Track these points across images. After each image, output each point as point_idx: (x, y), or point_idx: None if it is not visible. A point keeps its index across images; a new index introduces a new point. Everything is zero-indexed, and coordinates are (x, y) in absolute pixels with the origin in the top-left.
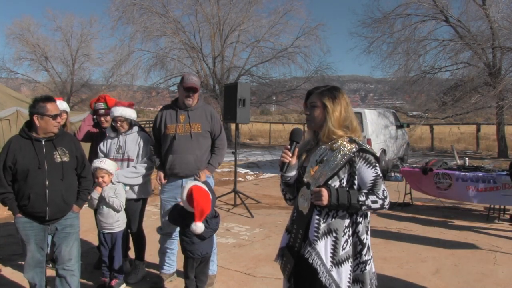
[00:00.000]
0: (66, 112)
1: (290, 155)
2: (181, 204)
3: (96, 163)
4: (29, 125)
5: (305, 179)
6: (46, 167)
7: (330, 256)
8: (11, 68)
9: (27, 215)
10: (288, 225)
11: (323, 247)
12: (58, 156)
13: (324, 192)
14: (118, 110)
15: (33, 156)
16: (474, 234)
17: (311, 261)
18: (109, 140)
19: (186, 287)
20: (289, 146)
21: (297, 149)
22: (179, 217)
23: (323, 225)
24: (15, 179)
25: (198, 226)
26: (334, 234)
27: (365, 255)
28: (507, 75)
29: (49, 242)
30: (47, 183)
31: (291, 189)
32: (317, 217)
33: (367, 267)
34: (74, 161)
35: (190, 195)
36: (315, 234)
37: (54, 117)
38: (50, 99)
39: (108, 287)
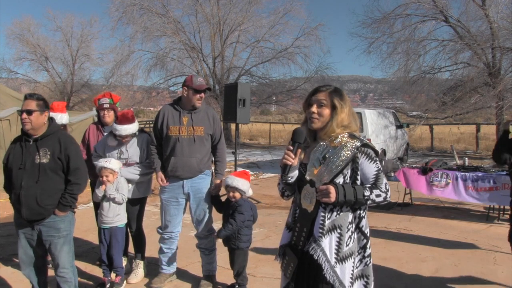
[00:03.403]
0: (64, 125)
1: (293, 156)
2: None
3: (102, 162)
4: None
5: (308, 177)
6: (26, 167)
7: (335, 253)
8: (11, 68)
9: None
10: (288, 222)
11: (328, 243)
12: (38, 157)
13: (332, 189)
14: (126, 129)
15: (18, 156)
16: (474, 234)
17: (316, 257)
18: (111, 147)
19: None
20: (291, 147)
21: (299, 150)
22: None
23: (328, 222)
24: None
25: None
26: (338, 231)
27: (369, 248)
28: (506, 75)
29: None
30: (23, 184)
31: (291, 187)
32: (322, 214)
33: (371, 260)
34: (55, 162)
35: (238, 176)
36: (320, 230)
37: (20, 113)
38: (26, 96)
39: (108, 287)
